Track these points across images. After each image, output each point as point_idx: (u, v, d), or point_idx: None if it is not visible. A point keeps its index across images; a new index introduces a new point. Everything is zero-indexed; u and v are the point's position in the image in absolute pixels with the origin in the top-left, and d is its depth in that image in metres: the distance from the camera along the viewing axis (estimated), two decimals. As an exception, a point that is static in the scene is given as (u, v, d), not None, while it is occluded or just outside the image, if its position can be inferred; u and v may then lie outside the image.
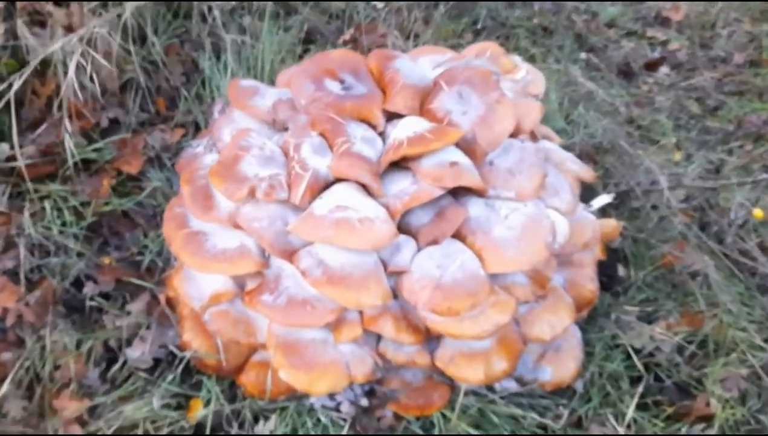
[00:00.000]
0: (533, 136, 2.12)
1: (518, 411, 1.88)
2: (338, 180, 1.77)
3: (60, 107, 2.08)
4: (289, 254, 1.73)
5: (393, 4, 3.00)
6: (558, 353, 1.98)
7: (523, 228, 1.79)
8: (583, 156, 2.61)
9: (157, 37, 2.36)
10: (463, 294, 1.70)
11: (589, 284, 2.04)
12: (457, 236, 1.80)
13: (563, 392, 1.99)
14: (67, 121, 1.93)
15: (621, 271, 2.36)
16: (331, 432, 1.79)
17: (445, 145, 1.75)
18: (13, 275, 1.86)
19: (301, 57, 2.65)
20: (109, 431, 1.75)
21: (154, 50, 2.34)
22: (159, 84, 2.35)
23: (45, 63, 2.08)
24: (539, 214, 1.83)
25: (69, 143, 1.92)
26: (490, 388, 1.95)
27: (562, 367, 1.97)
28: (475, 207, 1.82)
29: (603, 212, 2.44)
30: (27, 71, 1.87)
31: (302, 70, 1.95)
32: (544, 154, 1.96)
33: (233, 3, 2.58)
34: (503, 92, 1.89)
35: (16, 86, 1.87)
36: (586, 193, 2.51)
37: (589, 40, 3.48)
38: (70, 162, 1.98)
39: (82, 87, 2.10)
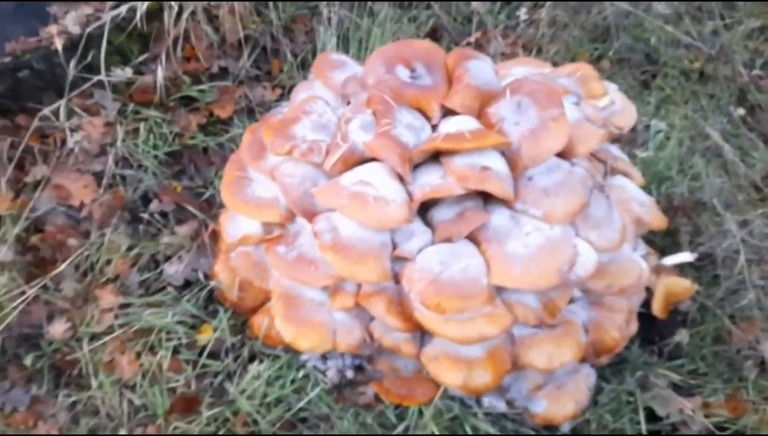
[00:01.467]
0: (607, 168, 2.05)
1: (494, 432, 1.84)
2: (373, 159, 1.85)
3: (183, 48, 2.36)
4: (311, 215, 1.83)
5: (537, 16, 2.98)
6: (559, 390, 1.90)
7: (539, 249, 1.74)
8: (679, 208, 2.44)
9: (290, 5, 2.57)
10: (455, 295, 1.70)
11: (614, 331, 1.92)
12: (474, 240, 1.80)
13: (555, 429, 1.91)
14: (162, 60, 2.20)
15: (681, 336, 2.18)
16: (308, 390, 1.88)
17: (479, 147, 1.76)
18: (98, 177, 2.16)
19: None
20: (131, 329, 1.99)
21: (283, 16, 2.56)
22: (279, 47, 2.57)
23: (181, 8, 2.36)
24: (562, 241, 1.77)
25: (159, 79, 2.19)
26: (479, 401, 1.92)
27: (559, 405, 1.89)
28: (499, 216, 1.80)
29: (682, 271, 2.28)
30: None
31: (380, 52, 2.04)
32: (594, 184, 1.88)
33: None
34: (563, 112, 1.84)
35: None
36: (671, 247, 2.36)
37: (752, 97, 3.19)
38: (158, 94, 2.25)
39: (204, 35, 2.36)
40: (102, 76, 2.22)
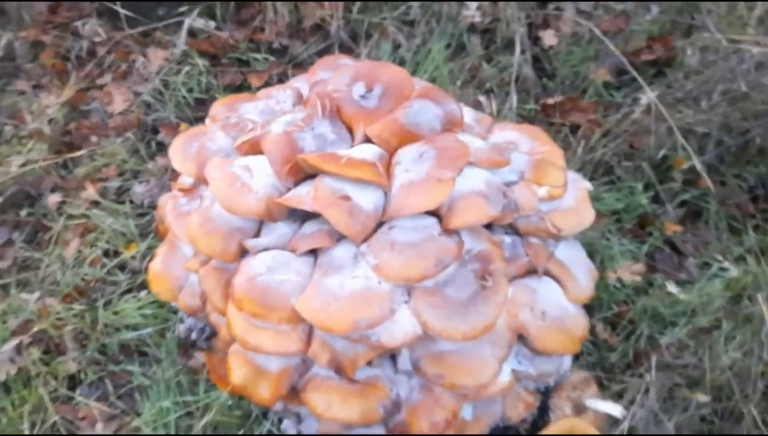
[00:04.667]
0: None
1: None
2: (276, 152, 1.90)
3: (264, 19, 2.64)
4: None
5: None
6: None
7: (351, 294, 1.66)
8: (649, 357, 2.04)
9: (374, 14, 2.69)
10: (258, 300, 1.71)
11: (424, 424, 1.75)
12: (316, 262, 1.77)
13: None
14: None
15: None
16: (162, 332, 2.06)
17: (341, 174, 1.72)
18: (137, 96, 2.55)
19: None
20: (91, 221, 2.36)
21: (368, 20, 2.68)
22: (352, 47, 2.69)
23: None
24: (381, 299, 1.66)
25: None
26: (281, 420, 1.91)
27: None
28: (344, 250, 1.74)
29: (608, 422, 1.94)
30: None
31: (356, 65, 2.06)
32: (454, 262, 1.69)
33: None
34: (454, 177, 1.69)
35: None
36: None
37: None
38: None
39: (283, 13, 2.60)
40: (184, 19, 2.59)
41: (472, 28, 2.73)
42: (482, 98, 2.61)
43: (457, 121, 1.98)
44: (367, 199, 1.74)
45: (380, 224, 1.76)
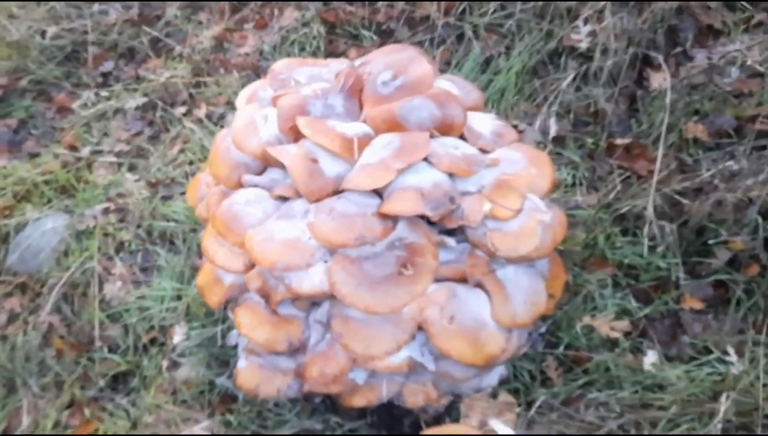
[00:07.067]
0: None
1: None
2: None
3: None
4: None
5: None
6: (260, 367, 2.11)
7: (282, 240, 1.93)
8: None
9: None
10: (225, 221, 2.03)
11: (315, 370, 1.97)
12: (282, 207, 2.07)
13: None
14: None
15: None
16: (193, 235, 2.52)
17: (310, 138, 1.97)
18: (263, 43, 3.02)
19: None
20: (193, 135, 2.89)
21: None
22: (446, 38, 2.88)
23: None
24: (303, 252, 1.91)
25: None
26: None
27: (245, 377, 2.11)
28: (301, 203, 2.00)
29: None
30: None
31: (397, 56, 2.25)
32: (376, 241, 1.87)
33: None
34: (401, 169, 1.87)
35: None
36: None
37: None
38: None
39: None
40: None
41: (570, 51, 2.74)
42: (552, 121, 2.64)
43: (456, 126, 2.09)
44: (332, 167, 1.98)
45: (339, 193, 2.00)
